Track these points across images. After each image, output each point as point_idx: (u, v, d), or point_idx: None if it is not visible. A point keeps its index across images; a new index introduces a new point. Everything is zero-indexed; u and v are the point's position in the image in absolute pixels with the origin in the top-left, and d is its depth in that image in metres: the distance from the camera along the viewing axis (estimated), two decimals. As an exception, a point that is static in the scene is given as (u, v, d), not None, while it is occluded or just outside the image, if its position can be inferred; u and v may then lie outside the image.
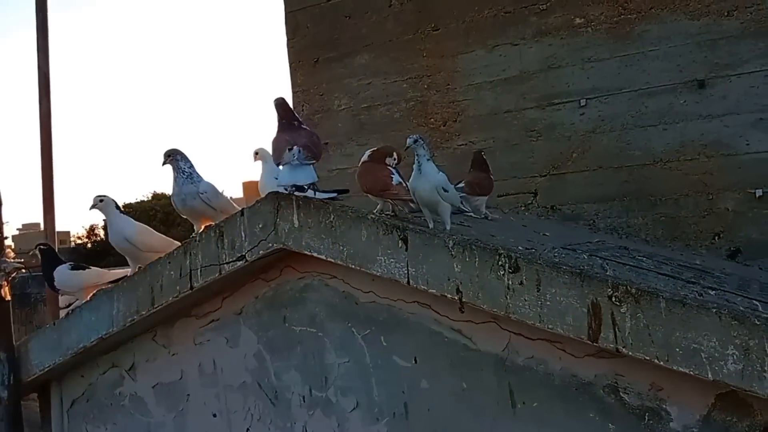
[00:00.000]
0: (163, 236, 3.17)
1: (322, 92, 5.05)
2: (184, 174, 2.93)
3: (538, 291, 1.93)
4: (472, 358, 2.21)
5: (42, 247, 3.17)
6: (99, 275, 3.14)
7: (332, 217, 2.35)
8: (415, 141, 2.43)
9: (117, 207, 3.05)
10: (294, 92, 5.15)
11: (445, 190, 2.38)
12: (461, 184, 3.05)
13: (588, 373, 2.02)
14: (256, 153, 3.24)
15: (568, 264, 1.98)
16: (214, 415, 2.72)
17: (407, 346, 2.35)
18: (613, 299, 1.83)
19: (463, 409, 2.22)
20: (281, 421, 2.57)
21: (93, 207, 3.02)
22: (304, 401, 2.53)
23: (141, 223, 3.12)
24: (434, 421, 2.27)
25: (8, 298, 3.19)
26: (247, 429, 2.63)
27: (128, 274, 2.90)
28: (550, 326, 1.92)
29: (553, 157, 4.23)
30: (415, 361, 2.33)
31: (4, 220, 3.23)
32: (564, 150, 4.21)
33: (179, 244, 2.81)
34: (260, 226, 2.49)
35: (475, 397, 2.20)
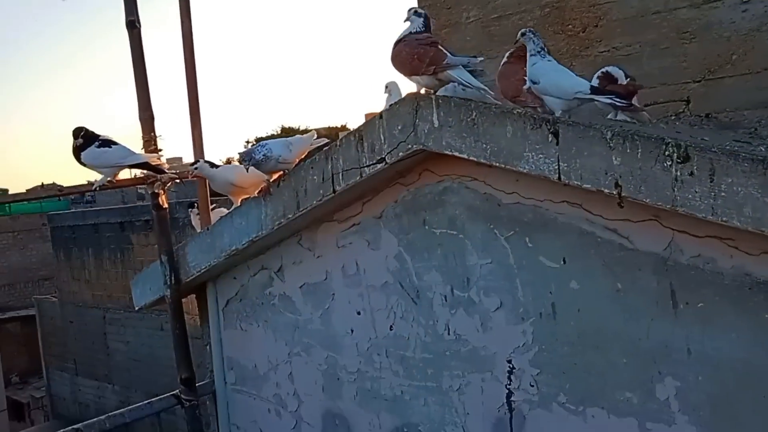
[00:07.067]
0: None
1: (450, 5, 4.86)
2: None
3: (711, 182, 1.77)
4: (628, 258, 2.10)
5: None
6: None
7: (474, 114, 2.27)
8: (523, 34, 2.38)
9: (212, 165, 3.45)
10: (420, 7, 5.00)
11: (534, 82, 2.31)
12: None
13: (765, 271, 1.85)
14: (387, 87, 3.33)
15: (746, 152, 1.79)
16: (359, 313, 2.82)
17: (555, 246, 2.27)
18: (804, 187, 1.63)
19: (617, 309, 2.13)
20: (423, 319, 2.61)
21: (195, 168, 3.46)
22: (446, 300, 2.55)
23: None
24: (585, 321, 2.21)
25: (166, 205, 3.45)
26: (391, 326, 2.71)
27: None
28: (724, 219, 1.76)
29: (710, 61, 3.82)
30: (564, 262, 2.25)
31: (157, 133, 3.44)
32: (722, 52, 3.78)
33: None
34: (399, 127, 2.47)
35: (631, 297, 2.10)
